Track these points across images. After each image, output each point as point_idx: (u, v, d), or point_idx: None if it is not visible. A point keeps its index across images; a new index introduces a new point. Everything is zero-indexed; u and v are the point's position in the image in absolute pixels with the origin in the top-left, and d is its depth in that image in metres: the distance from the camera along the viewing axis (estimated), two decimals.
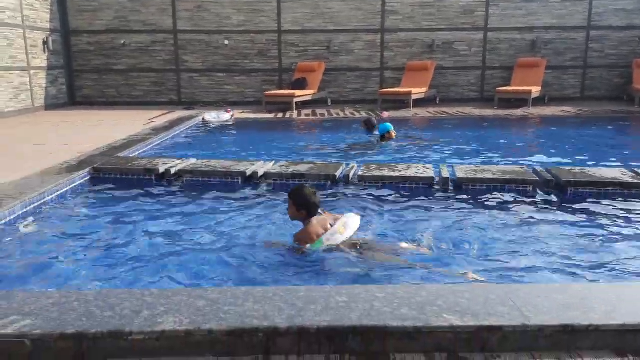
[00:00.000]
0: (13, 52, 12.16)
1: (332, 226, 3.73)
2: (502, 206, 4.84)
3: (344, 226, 3.74)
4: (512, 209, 4.77)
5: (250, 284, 3.19)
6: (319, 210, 3.82)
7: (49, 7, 13.70)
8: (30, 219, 4.39)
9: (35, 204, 4.62)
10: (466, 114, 12.16)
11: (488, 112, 12.45)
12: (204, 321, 2.23)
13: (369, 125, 9.50)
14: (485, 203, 4.95)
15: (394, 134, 8.34)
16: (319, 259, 3.57)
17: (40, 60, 13.32)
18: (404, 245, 3.83)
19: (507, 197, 5.06)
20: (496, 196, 5.09)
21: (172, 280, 3.29)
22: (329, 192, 5.33)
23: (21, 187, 4.86)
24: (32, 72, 12.90)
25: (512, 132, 10.85)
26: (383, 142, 8.27)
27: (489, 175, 5.35)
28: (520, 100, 13.25)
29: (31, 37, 12.87)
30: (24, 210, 4.43)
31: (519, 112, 12.39)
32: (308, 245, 3.63)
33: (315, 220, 3.74)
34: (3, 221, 4.13)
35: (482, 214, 4.64)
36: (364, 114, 12.38)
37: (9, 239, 3.97)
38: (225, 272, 3.45)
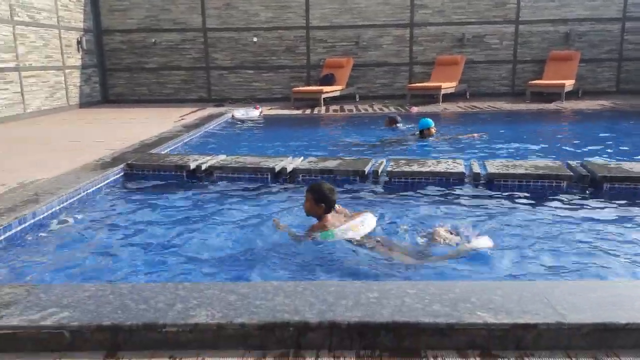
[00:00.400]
0: (49, 51, 12.48)
1: (346, 223, 3.77)
2: (535, 202, 4.75)
3: (360, 224, 3.79)
4: (545, 205, 4.67)
5: (272, 277, 3.22)
6: (336, 207, 3.90)
7: (82, 7, 14.01)
8: (67, 214, 4.50)
9: (72, 200, 4.73)
10: (497, 109, 11.97)
11: (520, 106, 12.23)
12: (236, 315, 2.25)
13: (392, 123, 9.41)
14: (518, 199, 4.86)
15: (434, 130, 8.13)
16: (327, 250, 3.59)
17: (75, 59, 13.63)
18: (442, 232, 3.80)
19: (540, 192, 4.96)
20: (529, 192, 5.00)
21: (203, 274, 3.34)
22: (357, 187, 5.32)
23: (58, 183, 4.99)
24: (66, 71, 13.21)
25: (544, 126, 10.63)
26: (424, 139, 8.05)
27: (521, 171, 5.25)
28: (553, 94, 12.98)
29: (66, 37, 13.18)
30: (61, 205, 4.55)
31: (551, 106, 12.13)
32: (318, 233, 3.66)
33: (330, 216, 3.82)
34: (40, 216, 4.24)
35: (514, 210, 4.56)
36: (392, 110, 12.32)
37: (47, 234, 4.08)
38: (249, 265, 3.48)
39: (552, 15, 14.16)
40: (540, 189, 5.06)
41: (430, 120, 8.19)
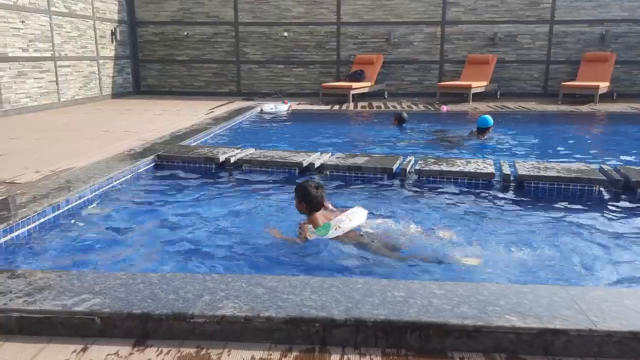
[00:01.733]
0: (83, 42, 12.72)
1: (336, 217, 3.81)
2: (566, 206, 4.66)
3: (352, 215, 3.81)
4: (577, 210, 4.58)
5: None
6: (326, 204, 3.93)
7: None
8: (98, 202, 4.60)
9: (103, 188, 4.83)
10: (528, 109, 11.77)
11: (552, 107, 11.99)
12: (263, 308, 2.27)
13: (400, 120, 9.25)
14: (548, 202, 4.77)
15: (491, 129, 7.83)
16: (319, 249, 3.59)
17: (108, 50, 13.87)
18: (443, 233, 3.79)
19: (572, 196, 4.87)
20: (560, 195, 4.91)
21: (229, 264, 3.38)
22: (385, 184, 5.31)
23: (90, 172, 5.10)
24: (100, 61, 13.46)
25: (577, 128, 10.41)
26: (482, 137, 7.80)
27: (552, 173, 5.15)
28: (586, 96, 12.69)
29: (100, 28, 13.42)
30: (93, 194, 4.64)
31: (584, 108, 11.86)
32: (313, 230, 3.68)
33: (319, 214, 3.83)
34: (73, 204, 4.34)
35: (544, 213, 4.48)
36: (421, 107, 12.22)
37: (78, 221, 4.17)
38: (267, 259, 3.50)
39: (589, 15, 13.83)
40: (572, 192, 4.97)
41: (490, 119, 7.85)
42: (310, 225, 3.73)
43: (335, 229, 3.67)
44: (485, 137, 7.89)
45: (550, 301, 2.30)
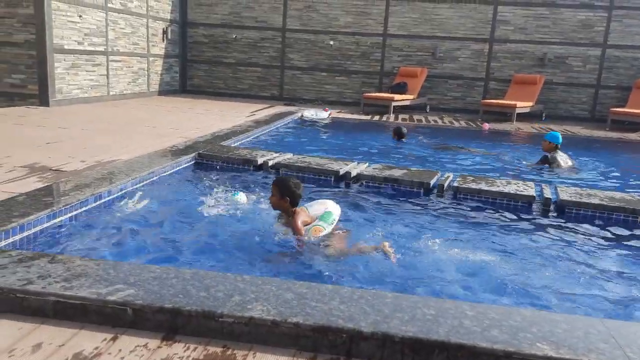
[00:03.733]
0: (136, 39, 13.09)
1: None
2: (608, 236, 4.52)
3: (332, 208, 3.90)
4: (618, 240, 4.43)
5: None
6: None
7: None
8: (138, 195, 4.71)
9: (144, 182, 4.95)
10: (574, 133, 11.47)
11: (599, 133, 11.66)
12: (291, 314, 2.28)
13: (399, 135, 9.09)
14: (589, 230, 4.63)
15: (547, 144, 7.43)
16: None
17: (159, 48, 14.24)
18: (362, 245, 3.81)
19: (614, 226, 4.71)
20: (602, 223, 4.76)
21: (259, 270, 3.40)
22: (421, 199, 5.26)
23: (133, 165, 5.23)
24: (150, 58, 13.82)
25: (624, 157, 10.08)
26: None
27: (595, 201, 5.00)
28: (636, 124, 12.29)
29: (153, 26, 13.79)
30: (134, 186, 4.76)
31: (633, 135, 11.50)
32: (320, 223, 3.74)
33: (299, 209, 3.89)
34: (114, 195, 4.46)
35: (584, 242, 4.35)
36: (462, 123, 12.08)
37: (118, 212, 4.28)
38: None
39: None
40: (614, 221, 4.81)
41: (559, 135, 7.47)
42: (318, 221, 3.78)
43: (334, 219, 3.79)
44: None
45: (586, 333, 2.23)
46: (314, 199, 4.42)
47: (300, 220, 3.79)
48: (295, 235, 3.74)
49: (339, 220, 4.00)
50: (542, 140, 7.69)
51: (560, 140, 7.46)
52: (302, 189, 3.99)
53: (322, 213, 3.88)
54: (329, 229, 3.80)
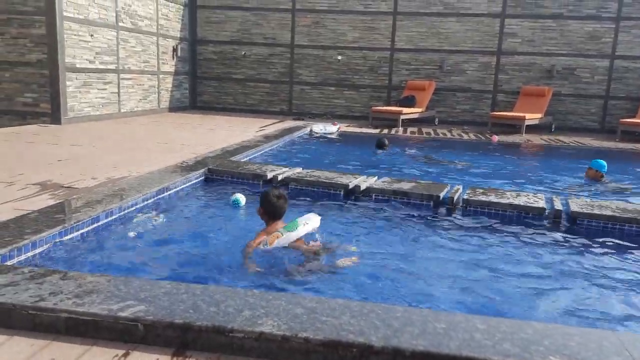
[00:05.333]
0: (146, 57, 13.26)
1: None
2: (620, 248, 4.47)
3: (305, 221, 3.85)
4: (631, 253, 4.39)
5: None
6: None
7: (181, 17, 14.82)
8: (149, 211, 4.74)
9: (155, 198, 4.98)
10: (583, 145, 11.42)
11: (608, 144, 11.59)
12: (301, 329, 2.28)
13: (380, 146, 9.24)
14: (600, 242, 4.59)
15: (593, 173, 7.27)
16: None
17: (169, 65, 14.41)
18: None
19: (627, 238, 4.67)
20: (613, 236, 4.71)
21: (266, 284, 3.41)
22: (430, 211, 5.25)
23: (144, 181, 5.27)
24: (160, 76, 13.98)
25: (634, 168, 9.99)
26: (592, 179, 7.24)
27: (607, 212, 4.96)
28: None
29: (163, 44, 13.98)
30: (144, 203, 4.80)
31: None
32: (281, 229, 3.74)
33: (280, 222, 3.94)
34: (125, 211, 4.49)
35: (595, 255, 4.31)
36: (472, 136, 12.06)
37: (129, 228, 4.31)
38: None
39: None
40: (626, 233, 4.76)
41: (604, 164, 7.24)
42: (280, 229, 3.77)
43: (304, 224, 3.75)
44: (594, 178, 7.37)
45: (599, 346, 2.21)
46: (320, 214, 4.41)
47: (262, 236, 3.80)
48: (265, 247, 3.73)
49: (316, 233, 3.94)
50: (587, 169, 7.44)
51: (606, 168, 7.15)
52: (285, 201, 4.00)
53: (288, 223, 3.88)
54: (290, 236, 3.71)
